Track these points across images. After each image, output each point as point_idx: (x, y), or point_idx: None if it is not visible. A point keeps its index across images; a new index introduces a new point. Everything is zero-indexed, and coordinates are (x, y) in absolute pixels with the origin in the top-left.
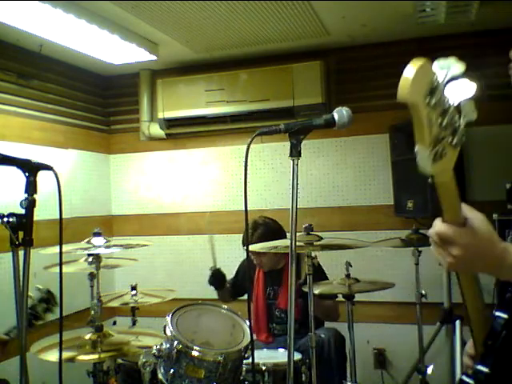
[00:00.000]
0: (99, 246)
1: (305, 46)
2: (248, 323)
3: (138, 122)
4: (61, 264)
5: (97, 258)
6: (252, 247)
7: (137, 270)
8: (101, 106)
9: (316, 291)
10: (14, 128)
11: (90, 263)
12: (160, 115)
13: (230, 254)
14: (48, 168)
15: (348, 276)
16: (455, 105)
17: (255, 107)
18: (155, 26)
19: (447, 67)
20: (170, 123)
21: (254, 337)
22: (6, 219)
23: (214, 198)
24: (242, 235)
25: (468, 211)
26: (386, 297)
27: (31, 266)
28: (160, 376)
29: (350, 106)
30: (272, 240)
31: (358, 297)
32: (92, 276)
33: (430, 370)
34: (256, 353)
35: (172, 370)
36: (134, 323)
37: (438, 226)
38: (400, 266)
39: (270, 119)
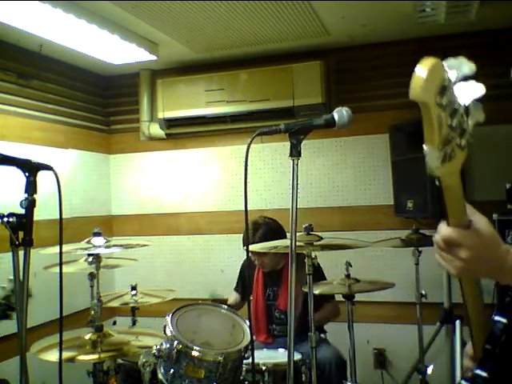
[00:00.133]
0: (99, 246)
1: (305, 46)
2: (248, 323)
3: (138, 122)
4: (61, 264)
5: (97, 258)
6: (252, 247)
7: (137, 270)
8: (101, 106)
9: (316, 291)
10: (14, 128)
11: (90, 263)
12: (160, 115)
13: (230, 254)
14: (48, 168)
15: (348, 276)
16: (465, 106)
17: (255, 107)
18: (155, 26)
19: (457, 67)
20: (170, 123)
21: (254, 337)
22: (6, 219)
23: (214, 198)
24: (242, 235)
25: (471, 213)
26: (386, 297)
27: (31, 266)
28: (160, 376)
29: (350, 106)
30: (273, 240)
31: (358, 297)
32: (92, 276)
33: (430, 370)
34: (256, 353)
35: (172, 370)
36: (133, 323)
37: (444, 230)
38: (400, 266)
39: (270, 119)
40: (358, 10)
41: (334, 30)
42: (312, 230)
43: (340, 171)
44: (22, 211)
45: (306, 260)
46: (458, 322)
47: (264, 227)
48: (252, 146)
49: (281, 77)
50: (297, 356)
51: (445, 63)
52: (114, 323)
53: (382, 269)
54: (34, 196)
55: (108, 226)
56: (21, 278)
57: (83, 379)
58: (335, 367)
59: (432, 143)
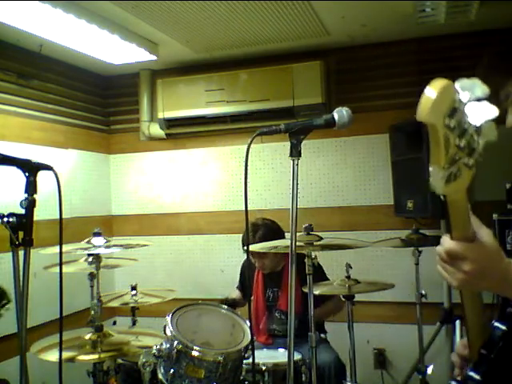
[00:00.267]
0: (99, 246)
1: (305, 46)
2: (248, 323)
3: (138, 122)
4: (61, 264)
5: (97, 258)
6: (252, 248)
7: (137, 270)
8: (101, 106)
9: (316, 292)
10: (14, 128)
11: (90, 263)
12: (160, 115)
13: (230, 254)
14: (48, 168)
15: (348, 277)
16: (475, 126)
17: (255, 107)
18: (155, 25)
19: (470, 88)
20: (170, 123)
21: (254, 338)
22: (5, 219)
23: (214, 198)
24: (241, 235)
25: (475, 225)
26: (386, 297)
27: (31, 266)
28: (160, 376)
29: (350, 106)
30: (272, 240)
31: (358, 297)
32: (92, 276)
33: (430, 370)
34: (256, 353)
35: (172, 370)
36: (134, 323)
37: (447, 243)
38: (400, 266)
39: (270, 119)
40: (358, 10)
41: (334, 30)
42: (312, 230)
43: (340, 171)
44: (22, 211)
45: (305, 260)
46: (457, 322)
47: (263, 228)
48: (252, 145)
49: (281, 77)
50: (297, 356)
51: (457, 84)
52: (114, 323)
53: (382, 269)
54: (34, 196)
55: (108, 226)
56: (21, 277)
57: (83, 379)
58: (334, 371)
59: (437, 163)
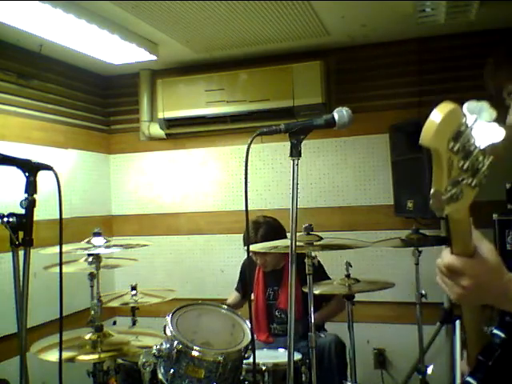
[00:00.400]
0: (99, 246)
1: (305, 46)
2: (248, 323)
3: (138, 122)
4: (61, 264)
5: (97, 258)
6: (252, 247)
7: (137, 270)
8: (101, 105)
9: (316, 291)
10: (14, 128)
11: (90, 263)
12: (160, 115)
13: (230, 254)
14: (48, 168)
15: (348, 276)
16: (481, 147)
17: (255, 107)
18: (155, 25)
19: (478, 112)
20: (170, 123)
21: (255, 337)
22: (6, 219)
23: (214, 198)
24: (242, 235)
25: (477, 239)
26: (386, 297)
27: (31, 266)
28: (160, 376)
29: (350, 106)
30: (274, 238)
31: (358, 297)
32: (92, 276)
33: (430, 370)
34: (256, 353)
35: (172, 370)
36: (134, 323)
37: (447, 258)
38: (400, 266)
39: (270, 119)
40: (358, 10)
41: (334, 29)
42: (312, 230)
43: (340, 171)
44: (22, 211)
45: (306, 260)
46: (457, 322)
47: (265, 226)
48: (252, 145)
49: (281, 77)
50: (297, 356)
51: (465, 106)
52: (114, 323)
53: (382, 269)
54: (34, 196)
55: (108, 225)
56: (21, 277)
57: (83, 379)
58: (335, 350)
59: (439, 186)
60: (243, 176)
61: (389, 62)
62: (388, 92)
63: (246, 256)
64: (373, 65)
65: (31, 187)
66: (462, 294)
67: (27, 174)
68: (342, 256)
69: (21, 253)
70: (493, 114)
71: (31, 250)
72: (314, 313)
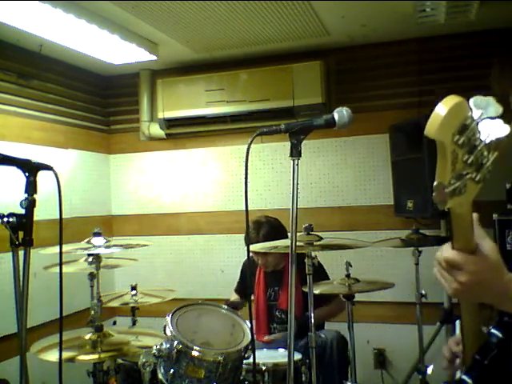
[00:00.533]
0: (99, 246)
1: (305, 46)
2: (248, 323)
3: (138, 122)
4: (61, 264)
5: (97, 258)
6: (253, 247)
7: (137, 270)
8: (101, 105)
9: (316, 291)
10: (14, 128)
11: (90, 263)
12: (160, 115)
13: (230, 254)
14: (48, 168)
15: (348, 276)
16: (486, 142)
17: (255, 107)
18: (155, 25)
19: (484, 107)
20: (170, 123)
21: (255, 337)
22: (6, 219)
23: (214, 198)
24: (243, 235)
25: (479, 237)
26: (386, 297)
27: (31, 266)
28: (160, 376)
29: (350, 106)
30: (276, 238)
31: (358, 297)
32: (92, 276)
33: (430, 370)
34: (256, 353)
35: (172, 370)
36: (134, 323)
37: (447, 252)
38: (400, 266)
39: (270, 119)
40: (358, 10)
41: (334, 29)
42: (312, 230)
43: (340, 171)
44: (22, 211)
45: (306, 260)
46: (457, 322)
47: (267, 226)
48: (252, 145)
49: (281, 77)
50: (297, 356)
51: (471, 100)
52: (114, 323)
53: (382, 269)
54: (34, 196)
55: (108, 225)
56: (21, 277)
57: (83, 379)
58: (337, 346)
59: (442, 179)
60: (243, 176)
61: (389, 61)
62: (388, 92)
63: (246, 256)
64: (373, 65)
65: (31, 187)
66: (459, 290)
67: (27, 174)
68: (341, 256)
69: (21, 253)
70: (499, 109)
71: (31, 250)
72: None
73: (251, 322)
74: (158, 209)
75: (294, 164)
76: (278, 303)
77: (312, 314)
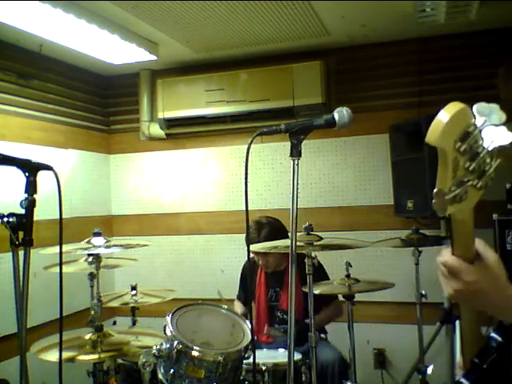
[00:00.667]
0: (99, 246)
1: (305, 46)
2: (248, 323)
3: (138, 122)
4: (61, 264)
5: (97, 258)
6: (253, 247)
7: (137, 270)
8: (101, 105)
9: (316, 291)
10: (14, 128)
11: (90, 263)
12: (160, 115)
13: (230, 254)
14: (48, 168)
15: (348, 276)
16: (489, 149)
17: (255, 107)
18: (155, 25)
19: (487, 114)
20: (170, 123)
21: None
22: (6, 219)
23: (214, 198)
24: (243, 235)
25: (482, 248)
26: (386, 297)
27: (31, 266)
28: (160, 376)
29: (350, 106)
30: (277, 238)
31: (358, 297)
32: (92, 276)
33: (430, 370)
34: (256, 353)
35: (172, 370)
36: (134, 323)
37: (446, 257)
38: (400, 266)
39: (270, 119)
40: (358, 10)
41: (334, 29)
42: (312, 230)
43: (340, 171)
44: (22, 211)
45: (305, 260)
46: (458, 322)
47: (268, 226)
48: (252, 145)
49: (281, 77)
50: (297, 356)
51: (475, 107)
52: (114, 323)
53: (382, 269)
54: (34, 196)
55: (108, 225)
56: (21, 277)
57: (83, 379)
58: (338, 370)
59: (443, 185)
60: (243, 176)
61: (389, 61)
62: (388, 92)
63: (246, 258)
64: (373, 65)
65: (31, 187)
66: (453, 296)
67: (27, 174)
68: (341, 256)
69: (21, 253)
70: (502, 116)
71: (31, 250)
72: (314, 315)
73: (251, 323)
74: (157, 209)
75: (294, 164)
76: (279, 304)
77: (312, 314)
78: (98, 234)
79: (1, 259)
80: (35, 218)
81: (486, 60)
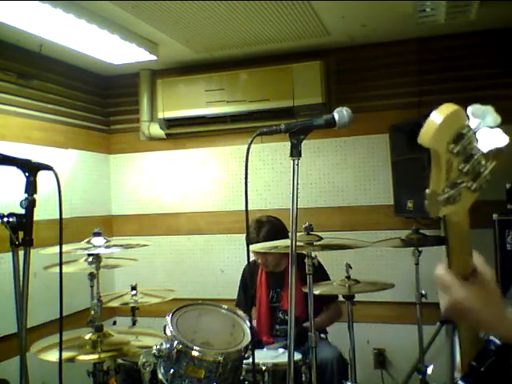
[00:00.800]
0: (99, 246)
1: (305, 46)
2: (248, 323)
3: (138, 122)
4: (61, 264)
5: (97, 258)
6: (253, 247)
7: (137, 270)
8: (101, 105)
9: (316, 292)
10: (14, 128)
11: (90, 263)
12: (160, 115)
13: (230, 254)
14: (48, 168)
15: (348, 278)
16: (484, 152)
17: (255, 107)
18: (155, 25)
19: (482, 116)
20: (170, 123)
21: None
22: (6, 219)
23: (214, 198)
24: (244, 235)
25: (479, 263)
26: (385, 297)
27: (31, 266)
28: (160, 376)
29: (350, 106)
30: (276, 238)
31: (358, 297)
32: (92, 276)
33: (430, 370)
34: (256, 353)
35: (172, 370)
36: (134, 323)
37: (441, 270)
38: (400, 266)
39: (270, 119)
40: (358, 10)
41: (334, 29)
42: (312, 230)
43: (340, 171)
44: (22, 211)
45: (306, 260)
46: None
47: (268, 225)
48: (252, 145)
49: (281, 77)
50: (297, 356)
51: (469, 109)
52: (114, 323)
53: (382, 269)
54: (34, 196)
55: (108, 225)
56: (21, 277)
57: (83, 379)
58: (337, 368)
59: (435, 187)
60: (243, 176)
61: (389, 61)
62: (388, 92)
63: (246, 259)
64: (373, 65)
65: (31, 187)
66: (444, 310)
67: (27, 174)
68: (341, 256)
69: (21, 253)
70: (497, 118)
71: (31, 250)
72: (314, 317)
73: (251, 322)
74: (157, 209)
75: (293, 164)
76: (281, 305)
77: (312, 314)
78: (97, 234)
79: (1, 259)
80: (35, 218)
81: (486, 60)
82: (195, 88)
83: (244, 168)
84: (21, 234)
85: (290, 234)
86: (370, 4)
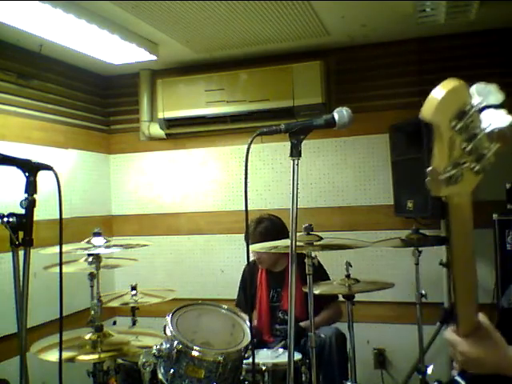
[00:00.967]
0: (99, 246)
1: (305, 46)
2: (248, 323)
3: (138, 122)
4: (61, 264)
5: (97, 258)
6: (252, 247)
7: (137, 270)
8: (101, 105)
9: (316, 291)
10: (14, 128)
11: (90, 263)
12: (160, 115)
13: (230, 254)
14: (48, 168)
15: (348, 276)
16: (487, 131)
17: (255, 107)
18: (155, 25)
19: (485, 94)
20: (170, 123)
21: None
22: (6, 219)
23: (214, 198)
24: (244, 235)
25: (482, 318)
26: (385, 297)
27: (31, 266)
28: (160, 376)
29: (350, 106)
30: (275, 236)
31: (358, 297)
32: (92, 276)
33: (430, 370)
34: (256, 353)
35: (172, 370)
36: (134, 323)
37: (447, 333)
38: (400, 266)
39: (270, 119)
40: (358, 10)
41: (334, 29)
42: (312, 230)
43: (340, 171)
44: (22, 211)
45: (306, 260)
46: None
47: (267, 222)
48: (252, 145)
49: (281, 77)
50: (297, 356)
51: (473, 87)
52: (114, 323)
53: (382, 269)
54: (34, 196)
55: (108, 225)
56: (21, 277)
57: (83, 379)
58: (335, 342)
59: (438, 165)
60: (243, 176)
61: (389, 61)
62: (388, 92)
63: (246, 260)
64: (373, 65)
65: (31, 187)
66: (459, 365)
67: (27, 174)
68: (341, 256)
69: (21, 253)
70: (500, 97)
71: (31, 250)
72: (314, 317)
73: (251, 323)
74: (157, 209)
75: (293, 164)
76: (281, 304)
77: (312, 314)
78: (97, 234)
79: (1, 259)
80: (35, 218)
81: (486, 60)
82: (195, 88)
83: (244, 168)
84: (21, 234)
85: (290, 234)
86: (369, 4)
